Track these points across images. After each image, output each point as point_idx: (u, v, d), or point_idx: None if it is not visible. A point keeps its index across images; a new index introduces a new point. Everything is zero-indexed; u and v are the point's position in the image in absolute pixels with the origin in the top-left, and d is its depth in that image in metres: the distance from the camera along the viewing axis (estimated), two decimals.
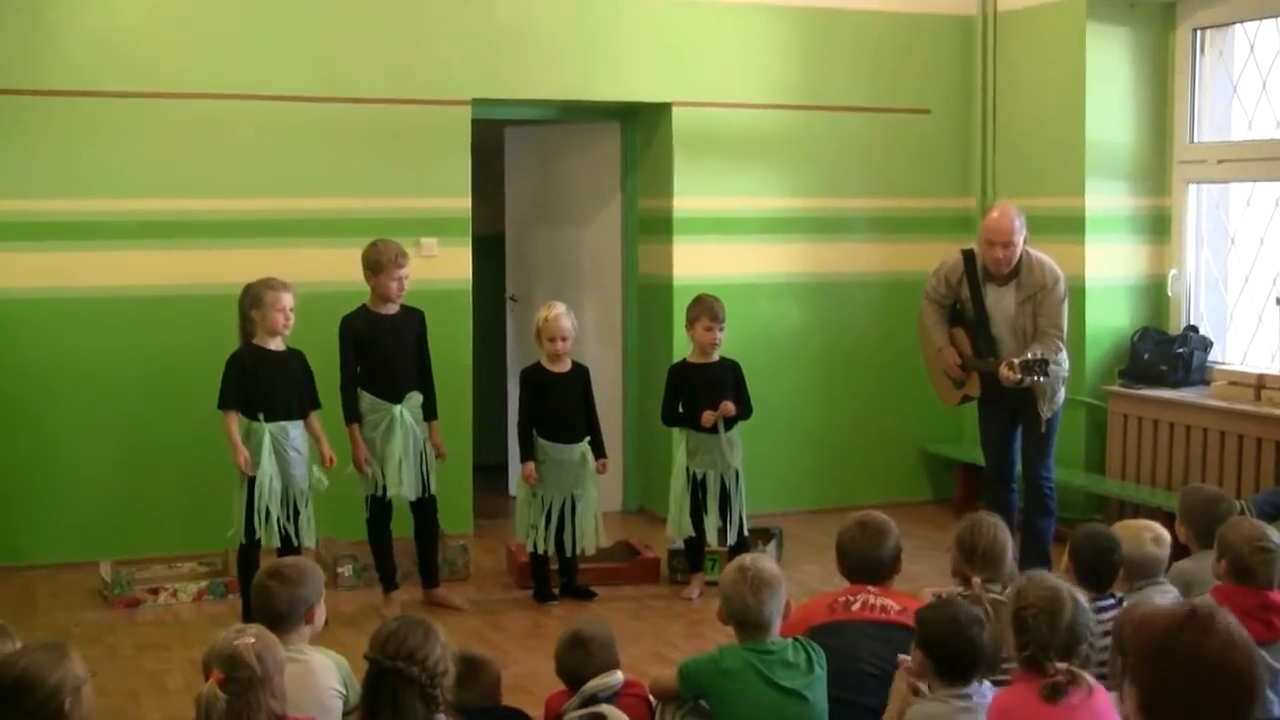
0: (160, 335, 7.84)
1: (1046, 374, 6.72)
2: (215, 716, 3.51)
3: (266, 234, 7.91)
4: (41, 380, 7.67)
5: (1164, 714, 2.89)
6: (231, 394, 6.55)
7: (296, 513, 6.61)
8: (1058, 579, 3.97)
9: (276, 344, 6.61)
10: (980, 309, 7.05)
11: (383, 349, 6.89)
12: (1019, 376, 6.72)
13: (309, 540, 6.67)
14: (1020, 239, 6.90)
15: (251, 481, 6.51)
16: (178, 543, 7.73)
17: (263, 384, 6.55)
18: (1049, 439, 7.12)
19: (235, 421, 6.53)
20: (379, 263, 6.85)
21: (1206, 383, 8.18)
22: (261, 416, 6.54)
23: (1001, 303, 7.01)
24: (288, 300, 6.55)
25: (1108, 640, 4.19)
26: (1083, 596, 3.93)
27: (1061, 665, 3.71)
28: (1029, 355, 6.72)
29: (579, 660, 4.33)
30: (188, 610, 7.10)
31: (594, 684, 4.22)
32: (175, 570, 7.49)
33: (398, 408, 6.89)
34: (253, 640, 3.61)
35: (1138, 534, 4.93)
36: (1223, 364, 8.31)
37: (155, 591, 7.17)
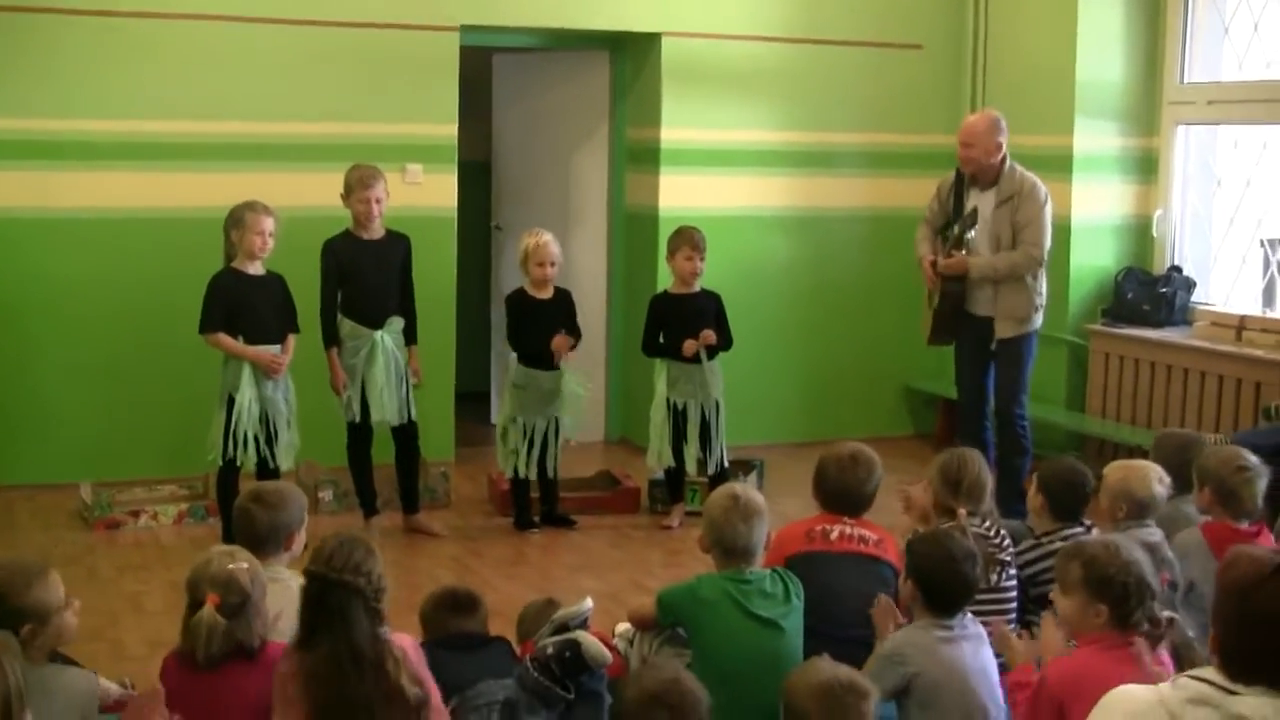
0: (143, 257, 7.80)
1: (974, 225, 6.96)
2: (214, 639, 3.54)
3: (251, 158, 7.86)
4: (23, 299, 7.64)
5: (1239, 664, 2.78)
6: (214, 316, 6.52)
7: (274, 436, 6.62)
8: (1119, 538, 3.95)
9: (255, 268, 6.58)
10: (959, 211, 7.11)
11: (363, 274, 6.86)
12: (952, 251, 7.00)
13: (286, 463, 6.66)
14: (989, 141, 6.98)
15: (230, 404, 6.51)
16: (158, 465, 7.72)
17: (243, 307, 6.52)
18: (1020, 374, 7.14)
19: (226, 338, 6.51)
20: (348, 185, 6.85)
21: (1189, 323, 8.21)
22: (241, 339, 6.52)
23: (981, 209, 7.06)
24: (268, 224, 6.52)
25: None
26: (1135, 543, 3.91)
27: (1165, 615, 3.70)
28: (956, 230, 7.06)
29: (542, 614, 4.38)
30: (168, 533, 7.12)
31: (564, 613, 4.23)
32: (156, 493, 7.47)
33: (379, 333, 6.87)
34: (245, 565, 3.66)
35: (1146, 474, 4.95)
36: (1205, 305, 8.33)
37: (136, 514, 7.18)
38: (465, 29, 8.28)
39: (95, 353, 7.78)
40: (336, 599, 3.37)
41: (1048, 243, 7.04)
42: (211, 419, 6.62)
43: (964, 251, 7.00)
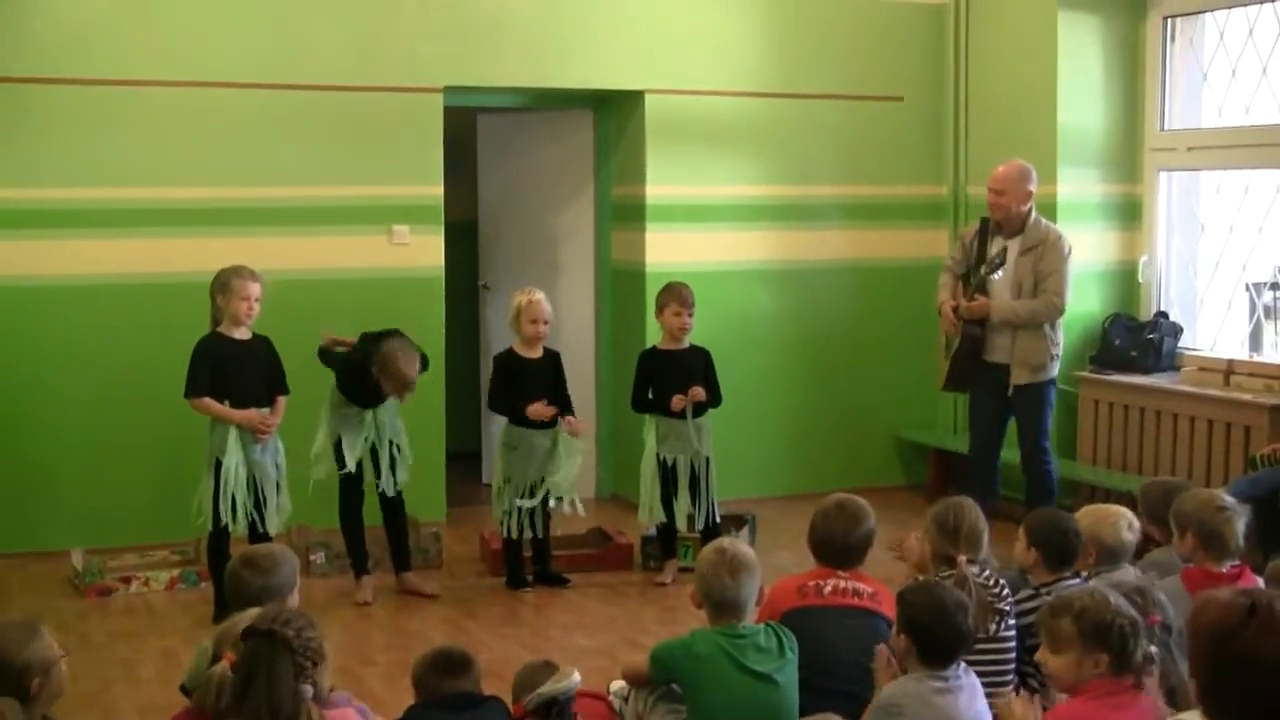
0: (130, 323, 7.80)
1: (1001, 265, 7.08)
2: (223, 696, 3.56)
3: (237, 223, 7.87)
4: (12, 368, 7.63)
5: (1221, 708, 2.78)
6: (200, 381, 6.52)
7: (264, 500, 6.60)
8: (1096, 584, 3.95)
9: (241, 333, 6.59)
10: (983, 258, 7.23)
11: (372, 380, 6.79)
12: (975, 295, 7.12)
13: (274, 528, 6.64)
14: (1021, 189, 7.16)
15: (218, 469, 6.50)
16: (150, 531, 7.69)
17: (229, 371, 6.54)
18: (1042, 418, 7.28)
19: (212, 402, 6.51)
20: (381, 363, 6.68)
21: (1177, 368, 8.23)
22: (227, 404, 6.53)
23: (1006, 256, 7.17)
24: (255, 290, 6.53)
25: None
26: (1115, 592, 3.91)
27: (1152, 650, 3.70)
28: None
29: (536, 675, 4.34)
30: (160, 598, 7.07)
31: (552, 688, 4.16)
32: (147, 559, 7.45)
33: (370, 411, 6.91)
34: None
35: (1115, 520, 4.96)
36: (1193, 350, 8.36)
37: (127, 580, 7.14)
38: (449, 90, 8.33)
39: (84, 419, 7.76)
40: (266, 649, 3.39)
41: (1069, 293, 7.16)
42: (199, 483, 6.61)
43: (986, 295, 7.09)
